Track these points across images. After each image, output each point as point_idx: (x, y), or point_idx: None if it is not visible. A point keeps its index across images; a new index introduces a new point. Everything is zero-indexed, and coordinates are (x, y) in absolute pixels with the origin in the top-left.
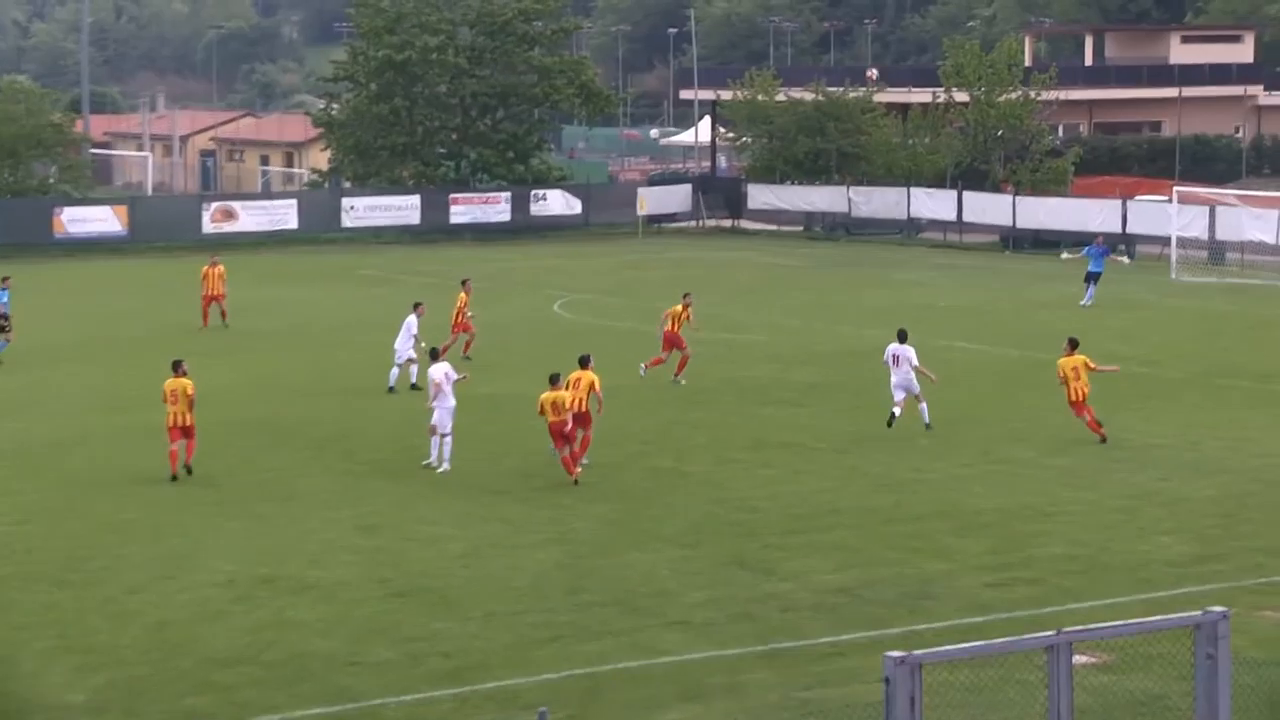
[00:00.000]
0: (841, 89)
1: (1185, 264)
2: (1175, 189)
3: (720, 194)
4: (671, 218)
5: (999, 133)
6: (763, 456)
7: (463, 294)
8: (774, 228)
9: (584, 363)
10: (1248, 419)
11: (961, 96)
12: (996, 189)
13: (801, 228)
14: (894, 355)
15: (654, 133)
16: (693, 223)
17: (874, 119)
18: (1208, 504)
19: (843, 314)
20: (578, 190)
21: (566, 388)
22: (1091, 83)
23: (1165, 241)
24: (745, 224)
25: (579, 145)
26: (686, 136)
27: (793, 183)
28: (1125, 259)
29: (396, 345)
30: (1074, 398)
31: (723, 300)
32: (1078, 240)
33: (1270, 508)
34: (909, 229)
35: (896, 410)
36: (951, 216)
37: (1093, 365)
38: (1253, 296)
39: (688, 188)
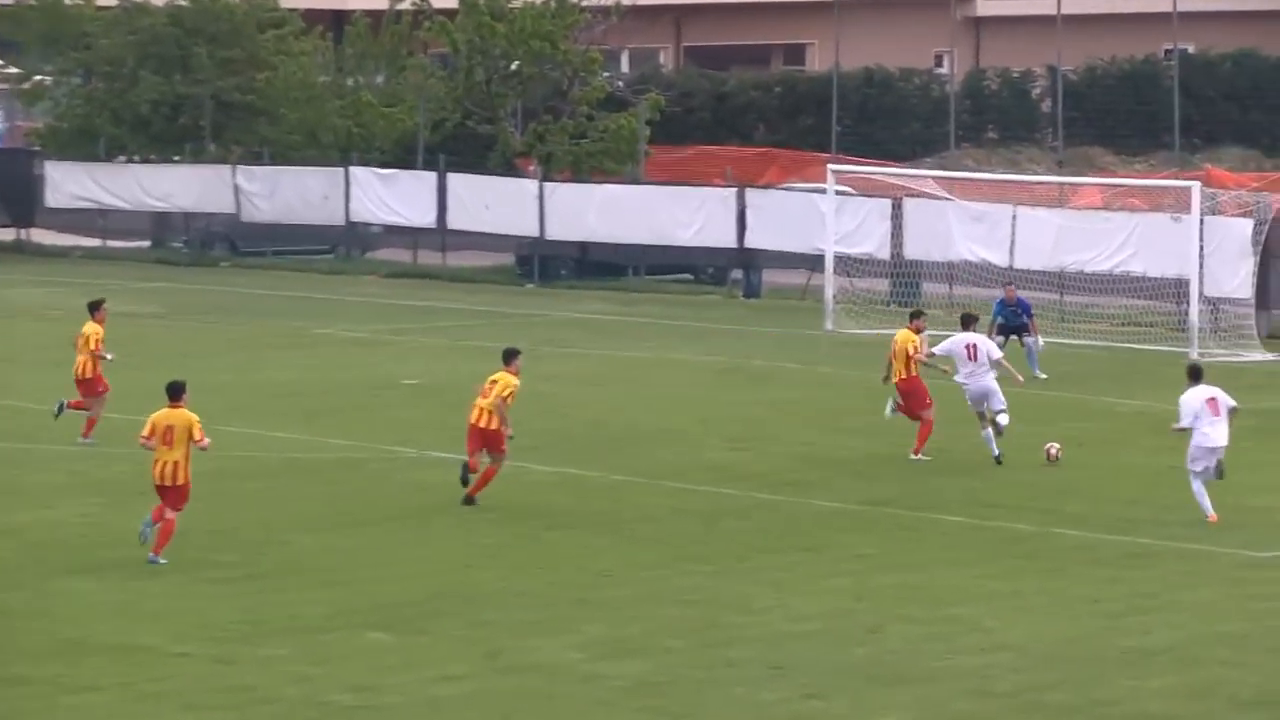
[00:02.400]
0: None
1: (850, 304)
2: (832, 168)
3: None
4: None
5: (513, 66)
6: (78, 673)
7: (95, 326)
8: (98, 243)
9: (175, 394)
10: (958, 580)
11: (444, 0)
12: (511, 169)
13: (148, 243)
14: (969, 346)
15: None
16: None
17: (281, 41)
18: None
19: (226, 401)
20: None
21: (151, 433)
22: None
23: (816, 263)
24: (41, 235)
25: None
26: None
27: (132, 159)
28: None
29: None
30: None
31: None
32: (662, 266)
33: None
34: (348, 242)
35: (994, 448)
36: (428, 220)
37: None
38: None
39: None
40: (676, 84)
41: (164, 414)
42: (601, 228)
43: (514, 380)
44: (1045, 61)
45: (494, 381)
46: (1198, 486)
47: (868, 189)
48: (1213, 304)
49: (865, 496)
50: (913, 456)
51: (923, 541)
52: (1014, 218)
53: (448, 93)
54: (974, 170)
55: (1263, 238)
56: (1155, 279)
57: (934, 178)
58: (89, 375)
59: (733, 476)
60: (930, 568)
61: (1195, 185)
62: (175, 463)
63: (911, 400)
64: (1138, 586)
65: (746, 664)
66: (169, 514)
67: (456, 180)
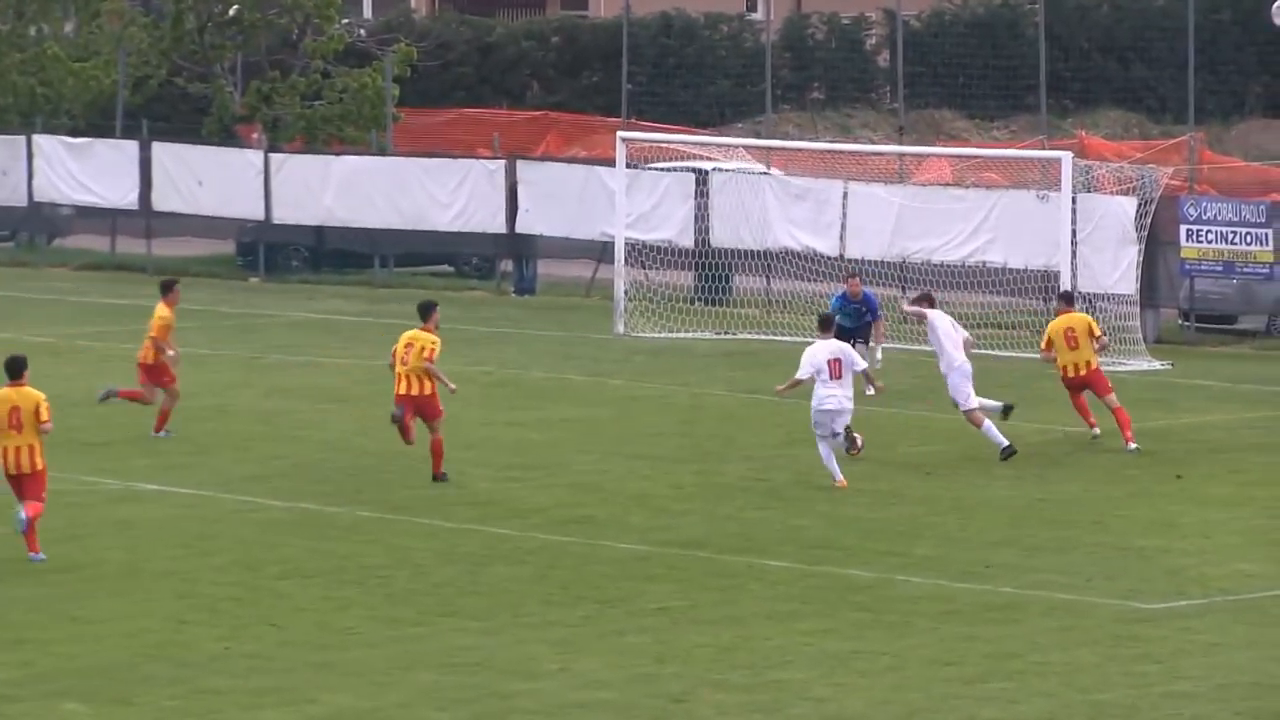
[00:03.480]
0: None
1: (646, 301)
2: (622, 136)
3: None
4: None
5: (231, 11)
6: None
7: (164, 309)
8: None
9: (15, 371)
10: (783, 638)
11: None
12: (230, 138)
13: None
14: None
15: None
16: None
17: None
18: None
19: None
20: None
21: None
22: None
23: (603, 252)
24: None
25: None
26: None
27: None
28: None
29: None
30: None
31: None
32: (416, 255)
33: None
34: (32, 226)
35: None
36: (129, 200)
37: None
38: (775, 370)
39: None
40: (431, 33)
41: (4, 394)
42: (341, 209)
43: (433, 337)
44: (882, 5)
45: (410, 344)
46: (825, 451)
47: (665, 159)
48: (1088, 301)
49: (669, 536)
50: (1129, 446)
51: (739, 591)
52: (845, 196)
53: (152, 44)
54: (796, 138)
55: (1148, 221)
56: (1018, 270)
57: (747, 147)
58: (152, 361)
59: (507, 513)
60: (748, 623)
61: (1066, 156)
62: (29, 447)
63: (1095, 387)
64: (1000, 645)
65: None
66: (30, 508)
67: (163, 151)
